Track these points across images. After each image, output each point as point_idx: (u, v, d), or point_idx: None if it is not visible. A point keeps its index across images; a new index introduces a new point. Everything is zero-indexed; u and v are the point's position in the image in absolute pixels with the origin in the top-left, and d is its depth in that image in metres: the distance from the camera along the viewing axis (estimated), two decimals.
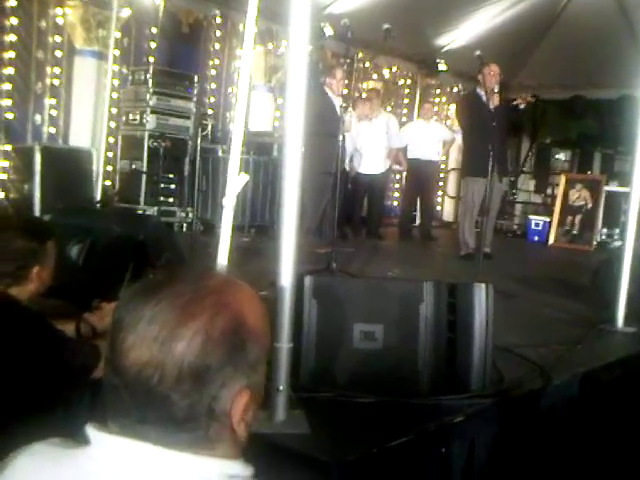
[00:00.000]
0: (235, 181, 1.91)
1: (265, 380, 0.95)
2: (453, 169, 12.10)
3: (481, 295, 2.45)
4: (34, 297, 2.13)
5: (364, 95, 9.44)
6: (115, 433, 0.85)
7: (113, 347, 0.86)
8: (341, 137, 5.39)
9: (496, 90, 6.42)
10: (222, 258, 1.94)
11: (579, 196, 9.65)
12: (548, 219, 9.95)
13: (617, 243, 8.99)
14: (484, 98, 6.44)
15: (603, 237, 9.46)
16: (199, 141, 5.60)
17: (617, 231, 9.15)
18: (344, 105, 5.78)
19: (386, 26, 6.00)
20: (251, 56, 2.14)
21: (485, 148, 5.46)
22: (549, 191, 12.86)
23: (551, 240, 9.68)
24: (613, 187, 9.80)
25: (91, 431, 0.86)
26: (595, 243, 9.34)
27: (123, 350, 0.84)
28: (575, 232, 9.56)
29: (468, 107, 6.93)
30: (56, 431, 1.00)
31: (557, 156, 16.48)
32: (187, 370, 0.83)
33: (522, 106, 6.85)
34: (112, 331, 0.87)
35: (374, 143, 8.25)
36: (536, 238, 9.97)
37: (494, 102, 6.42)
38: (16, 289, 2.00)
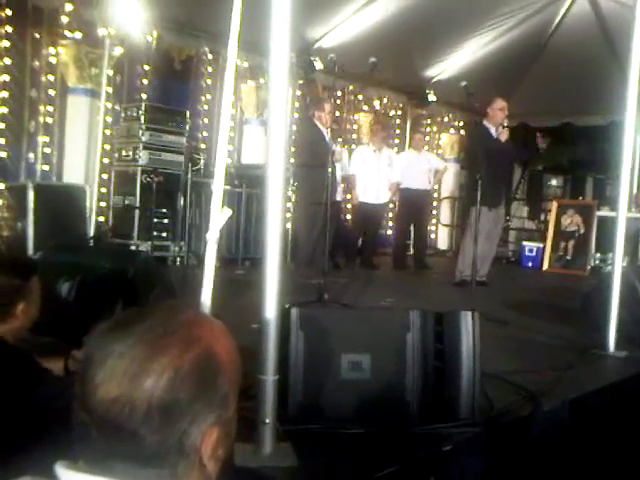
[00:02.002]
0: (218, 216, 1.93)
1: (236, 415, 0.95)
2: (446, 197, 12.18)
3: (468, 322, 2.46)
4: (22, 334, 2.13)
5: (356, 126, 9.59)
6: (83, 470, 0.85)
7: (82, 384, 0.85)
8: (330, 168, 5.45)
9: (505, 124, 6.57)
10: (206, 293, 1.95)
11: (571, 221, 9.70)
12: (542, 245, 9.99)
13: (610, 267, 9.01)
14: (492, 131, 6.62)
15: (597, 262, 9.49)
16: (189, 175, 5.63)
17: (610, 256, 9.15)
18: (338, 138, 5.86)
19: (372, 59, 6.12)
20: (231, 90, 2.17)
21: (491, 179, 5.55)
22: (542, 217, 12.91)
23: (545, 266, 9.71)
24: (605, 212, 9.84)
25: (60, 469, 0.86)
26: (589, 268, 9.36)
27: (92, 387, 0.84)
28: (569, 257, 9.60)
29: (476, 138, 7.01)
30: (46, 470, 1.00)
31: (550, 182, 16.60)
32: (156, 405, 0.82)
33: (543, 145, 6.85)
34: (81, 368, 0.87)
35: (379, 174, 8.35)
36: (530, 264, 10.00)
37: (504, 136, 6.56)
38: (2, 327, 2.00)
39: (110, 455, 0.84)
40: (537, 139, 6.83)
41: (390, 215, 10.91)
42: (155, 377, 0.83)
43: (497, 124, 6.59)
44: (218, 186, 1.92)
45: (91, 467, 0.85)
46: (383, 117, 11.03)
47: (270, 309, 1.98)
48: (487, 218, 6.61)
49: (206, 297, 1.93)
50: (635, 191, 9.22)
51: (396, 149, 10.96)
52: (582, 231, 9.59)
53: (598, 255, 9.51)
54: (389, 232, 11.01)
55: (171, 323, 0.89)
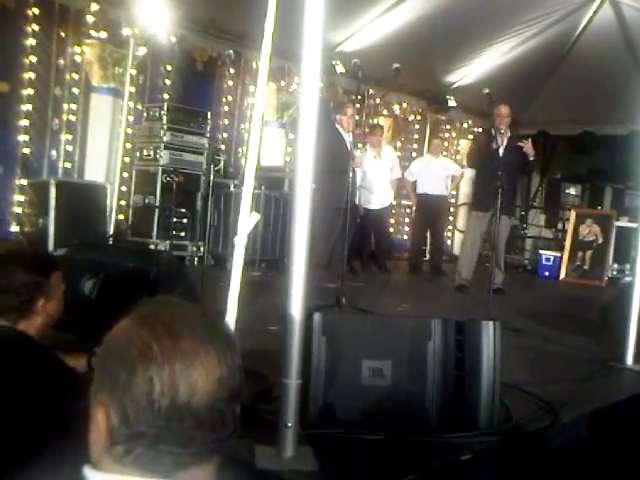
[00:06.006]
0: (246, 220, 1.95)
1: None
2: (463, 204, 12.15)
3: (489, 332, 2.47)
4: (44, 330, 2.14)
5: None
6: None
7: (166, 393, 0.84)
8: (351, 173, 5.46)
9: (502, 131, 6.68)
10: (233, 297, 1.97)
11: (589, 231, 9.65)
12: (559, 254, 9.94)
13: (628, 279, 8.95)
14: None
15: (614, 272, 9.42)
16: (212, 176, 5.68)
17: (628, 266, 9.11)
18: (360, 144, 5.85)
19: (396, 65, 6.13)
20: (264, 93, 2.20)
21: (491, 184, 5.63)
22: (560, 226, 12.83)
23: (562, 275, 9.66)
24: (624, 222, 9.77)
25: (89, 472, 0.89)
26: (606, 278, 9.30)
27: (188, 390, 0.84)
28: (586, 267, 9.55)
29: (478, 144, 7.21)
30: (70, 466, 1.02)
31: (567, 191, 16.49)
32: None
33: (532, 158, 6.86)
34: (156, 380, 0.85)
35: (381, 179, 8.36)
36: (547, 273, 9.95)
37: (503, 141, 6.66)
38: (24, 323, 2.01)
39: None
40: (524, 147, 6.76)
41: (407, 220, 10.92)
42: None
43: (497, 130, 6.68)
44: (248, 190, 1.94)
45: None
46: (402, 121, 11.04)
47: (295, 314, 2.00)
48: (480, 222, 6.79)
49: (232, 301, 1.95)
50: None
51: (414, 154, 10.97)
52: (600, 241, 9.54)
53: (615, 266, 9.44)
54: (405, 237, 11.01)
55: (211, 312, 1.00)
